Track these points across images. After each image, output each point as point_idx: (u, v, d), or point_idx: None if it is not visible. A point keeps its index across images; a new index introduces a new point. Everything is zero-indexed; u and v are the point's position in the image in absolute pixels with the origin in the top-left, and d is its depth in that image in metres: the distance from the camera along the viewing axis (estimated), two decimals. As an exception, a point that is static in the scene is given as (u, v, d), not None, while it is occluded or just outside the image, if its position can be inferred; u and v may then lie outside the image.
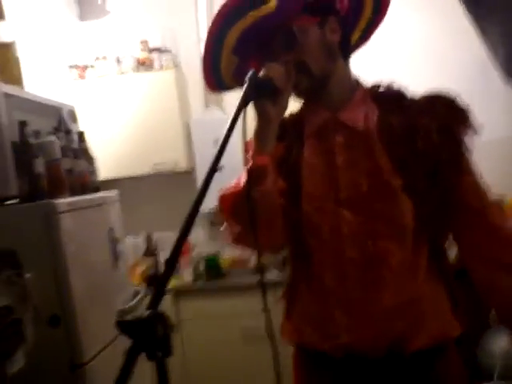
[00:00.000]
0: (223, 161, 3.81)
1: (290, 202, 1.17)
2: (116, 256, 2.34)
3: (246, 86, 1.02)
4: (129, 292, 2.50)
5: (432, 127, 1.13)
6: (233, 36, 1.13)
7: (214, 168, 0.91)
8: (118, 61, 3.46)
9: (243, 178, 1.09)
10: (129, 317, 0.76)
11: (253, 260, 3.56)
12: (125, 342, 2.47)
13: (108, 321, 2.20)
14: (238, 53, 1.16)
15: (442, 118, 1.14)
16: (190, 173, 3.63)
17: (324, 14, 1.15)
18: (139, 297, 2.45)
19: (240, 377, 3.17)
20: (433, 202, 1.13)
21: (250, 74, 1.04)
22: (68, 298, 1.94)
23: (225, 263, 3.60)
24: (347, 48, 1.21)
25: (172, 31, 3.62)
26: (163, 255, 3.60)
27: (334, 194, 1.16)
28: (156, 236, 3.61)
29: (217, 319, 3.28)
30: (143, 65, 3.47)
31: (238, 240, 1.19)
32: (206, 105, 3.68)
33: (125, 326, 0.75)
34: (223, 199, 1.16)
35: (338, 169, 1.16)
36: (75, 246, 1.98)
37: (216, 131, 3.53)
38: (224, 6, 1.10)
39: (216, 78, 1.22)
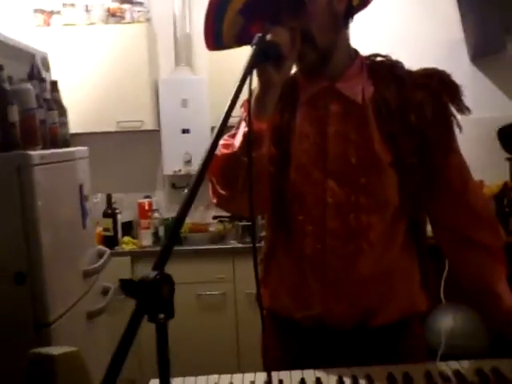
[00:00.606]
0: (190, 124, 3.75)
1: (276, 168, 1.16)
2: (84, 214, 2.25)
3: (253, 50, 0.99)
4: (93, 251, 2.43)
5: (426, 102, 1.14)
6: None
7: (220, 133, 0.85)
8: (87, 9, 3.28)
9: (237, 141, 1.07)
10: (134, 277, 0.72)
11: (212, 226, 3.55)
12: (90, 303, 2.38)
13: (74, 280, 2.14)
14: (245, 14, 1.13)
15: (437, 94, 1.15)
16: (154, 133, 3.52)
17: None
18: (105, 258, 2.38)
19: (194, 345, 3.15)
20: (418, 178, 1.15)
21: (257, 38, 1.00)
22: (36, 255, 1.86)
23: (184, 228, 3.56)
24: (350, 16, 1.19)
25: (145, -18, 3.46)
26: (122, 217, 3.51)
27: (322, 163, 1.16)
28: (115, 197, 3.51)
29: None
30: (113, 16, 3.31)
31: (224, 203, 1.17)
32: (176, 64, 3.56)
33: (130, 286, 0.71)
34: (214, 159, 1.10)
35: (329, 139, 1.16)
36: (46, 201, 1.88)
37: (184, 91, 3.49)
38: None
39: (216, 36, 1.19)
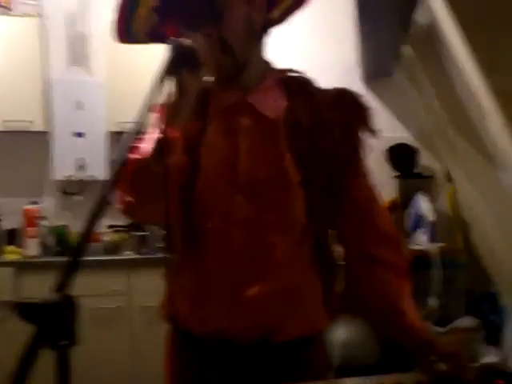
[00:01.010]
0: (84, 127, 3.59)
1: (185, 178, 1.12)
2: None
3: (169, 54, 0.96)
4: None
5: (336, 125, 1.14)
6: None
7: (135, 138, 0.84)
8: (-30, -2, 2.97)
9: (148, 147, 1.02)
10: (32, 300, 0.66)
11: (107, 236, 3.41)
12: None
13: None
14: (159, 12, 1.10)
15: (346, 116, 1.16)
16: (44, 135, 3.30)
17: None
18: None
19: (86, 362, 3.01)
20: (326, 199, 1.15)
21: (172, 42, 0.98)
22: None
23: (74, 237, 3.38)
24: (268, 28, 1.18)
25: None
26: (5, 224, 3.26)
27: (231, 177, 1.13)
28: (-2, 202, 3.26)
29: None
30: (0, 7, 3.02)
31: (129, 210, 1.12)
32: (70, 63, 3.35)
33: (26, 309, 0.66)
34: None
35: (240, 153, 1.13)
36: None
37: (78, 93, 3.31)
38: None
39: (126, 31, 1.14)
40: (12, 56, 3.09)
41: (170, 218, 1.10)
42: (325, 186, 1.14)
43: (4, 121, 3.14)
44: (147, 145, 1.02)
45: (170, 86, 0.97)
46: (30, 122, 3.18)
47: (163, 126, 1.00)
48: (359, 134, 1.17)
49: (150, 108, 0.86)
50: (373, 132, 1.18)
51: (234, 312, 1.14)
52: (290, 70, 1.21)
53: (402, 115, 3.60)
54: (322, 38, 3.63)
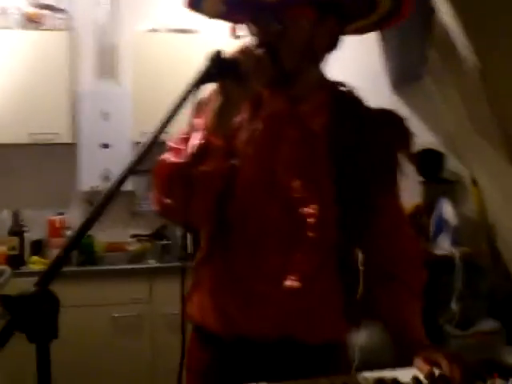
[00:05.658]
0: (110, 139, 3.61)
1: (224, 183, 1.12)
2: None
3: (207, 64, 0.98)
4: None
5: (378, 145, 1.16)
6: None
7: (152, 145, 0.84)
8: (3, 12, 3.09)
9: (187, 151, 1.04)
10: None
11: (130, 245, 3.39)
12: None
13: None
14: (227, 3, 1.14)
15: (389, 137, 1.18)
16: (71, 146, 3.35)
17: (326, 12, 1.11)
18: (5, 277, 2.19)
19: (110, 370, 2.96)
20: (358, 216, 1.16)
21: (213, 53, 0.99)
22: None
23: (100, 247, 3.38)
24: (331, 50, 1.19)
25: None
26: (30, 235, 3.28)
27: (268, 186, 1.14)
28: (24, 213, 3.30)
29: (86, 308, 3.00)
30: (31, 21, 3.15)
31: (166, 212, 1.14)
32: (98, 75, 3.42)
33: (7, 301, 0.68)
34: (162, 166, 1.10)
35: (279, 163, 1.15)
36: None
37: (106, 104, 3.36)
38: None
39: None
40: (40, 69, 3.16)
41: (205, 220, 1.15)
42: (359, 204, 1.15)
43: (30, 133, 3.18)
44: (186, 149, 1.05)
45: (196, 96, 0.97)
46: (57, 134, 3.23)
47: (205, 132, 1.03)
48: (398, 156, 1.20)
49: (174, 117, 0.88)
50: (412, 156, 1.22)
51: (256, 314, 1.15)
52: (342, 85, 1.22)
53: (429, 119, 3.53)
54: (350, 44, 3.60)
